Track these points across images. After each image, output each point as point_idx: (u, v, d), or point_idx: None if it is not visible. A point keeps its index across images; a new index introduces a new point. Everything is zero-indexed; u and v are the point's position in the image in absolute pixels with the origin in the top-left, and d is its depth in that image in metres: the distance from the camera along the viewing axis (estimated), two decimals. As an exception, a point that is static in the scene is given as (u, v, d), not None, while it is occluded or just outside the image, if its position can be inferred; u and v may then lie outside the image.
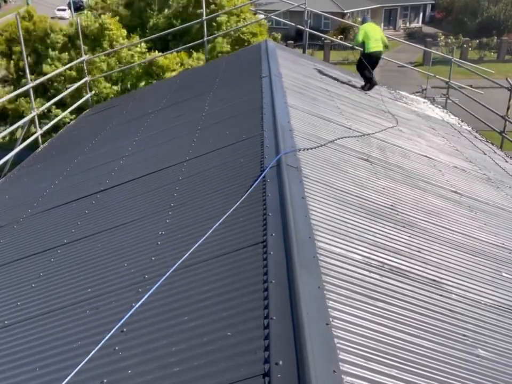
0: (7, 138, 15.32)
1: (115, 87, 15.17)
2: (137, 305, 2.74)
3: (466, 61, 16.98)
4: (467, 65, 13.12)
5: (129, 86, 14.99)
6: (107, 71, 14.66)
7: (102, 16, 15.56)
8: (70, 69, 13.93)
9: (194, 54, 16.07)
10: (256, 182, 3.68)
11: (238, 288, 2.59)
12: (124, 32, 15.84)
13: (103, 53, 13.82)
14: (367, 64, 9.44)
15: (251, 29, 17.21)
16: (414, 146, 6.55)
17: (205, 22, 12.46)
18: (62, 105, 13.50)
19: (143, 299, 2.77)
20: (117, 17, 16.53)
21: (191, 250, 3.10)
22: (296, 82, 7.66)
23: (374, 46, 9.41)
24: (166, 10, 17.67)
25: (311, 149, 4.56)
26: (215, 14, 15.99)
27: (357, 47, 10.09)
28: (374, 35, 9.42)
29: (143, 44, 15.63)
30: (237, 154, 4.49)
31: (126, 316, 2.68)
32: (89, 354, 2.47)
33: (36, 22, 15.69)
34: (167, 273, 2.93)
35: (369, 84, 9.69)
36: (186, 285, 2.83)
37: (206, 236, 3.21)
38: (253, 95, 6.37)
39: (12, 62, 15.76)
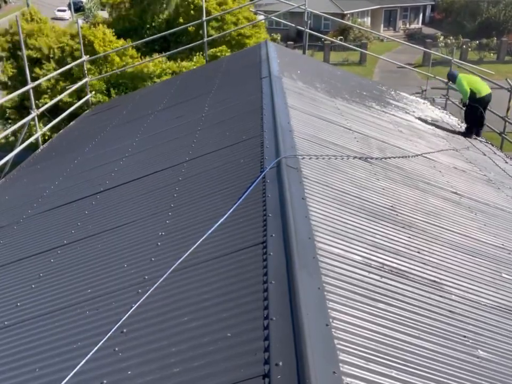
0: (11, 139, 15.34)
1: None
2: (136, 305, 2.74)
3: (466, 62, 16.99)
4: (467, 66, 13.13)
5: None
6: (103, 78, 14.67)
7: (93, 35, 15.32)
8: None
9: (195, 58, 16.08)
10: (254, 184, 3.68)
11: (238, 289, 2.60)
12: (119, 42, 15.77)
13: (94, 56, 13.80)
14: (476, 111, 8.69)
15: (245, 31, 17.20)
16: (414, 147, 6.56)
17: (204, 23, 12.47)
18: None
19: (142, 299, 2.77)
20: (111, 28, 16.43)
21: (190, 250, 3.09)
22: (297, 83, 7.66)
23: (484, 88, 8.70)
24: (166, 12, 17.71)
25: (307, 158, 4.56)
26: (215, 14, 16.02)
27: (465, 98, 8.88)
28: (477, 80, 8.73)
29: (135, 49, 15.70)
30: (237, 155, 4.49)
31: (126, 316, 2.68)
32: (89, 355, 2.47)
33: (35, 25, 15.65)
34: (165, 274, 2.93)
35: (470, 132, 8.93)
36: (186, 286, 2.83)
37: (206, 236, 3.21)
38: (253, 95, 6.37)
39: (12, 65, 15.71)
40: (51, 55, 15.23)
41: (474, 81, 8.85)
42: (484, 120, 9.01)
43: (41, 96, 14.33)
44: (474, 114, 8.83)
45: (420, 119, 9.19)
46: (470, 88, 8.70)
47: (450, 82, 9.36)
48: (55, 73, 11.89)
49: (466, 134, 8.96)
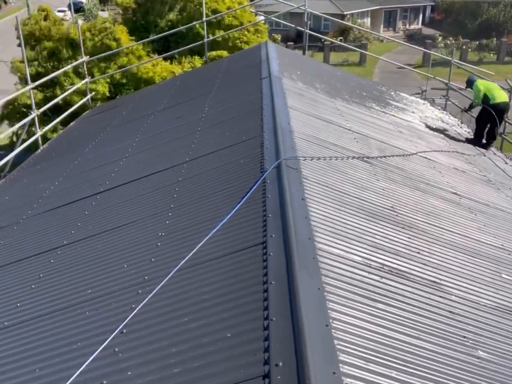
0: (9, 140, 15.31)
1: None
2: (139, 306, 2.74)
3: (466, 63, 17.01)
4: (467, 66, 13.13)
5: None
6: (107, 76, 14.70)
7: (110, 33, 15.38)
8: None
9: (195, 59, 16.11)
10: (256, 185, 3.68)
11: (238, 290, 2.60)
12: (132, 42, 15.84)
13: (101, 55, 13.79)
14: (488, 118, 8.45)
15: (248, 37, 17.25)
16: (414, 147, 6.56)
17: (205, 23, 12.48)
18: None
19: (146, 300, 2.77)
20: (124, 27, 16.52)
21: (196, 249, 3.09)
22: (296, 84, 7.66)
23: (500, 95, 8.51)
24: (170, 12, 17.79)
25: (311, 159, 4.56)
26: (216, 15, 16.03)
27: (479, 104, 8.64)
28: (495, 86, 8.59)
29: (143, 50, 15.77)
30: (237, 156, 4.50)
31: (129, 317, 2.68)
32: (89, 356, 2.48)
33: (50, 25, 15.66)
34: (170, 274, 2.93)
35: (479, 141, 8.61)
36: (186, 286, 2.84)
37: (207, 237, 3.21)
38: (253, 96, 6.37)
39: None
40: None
41: (491, 87, 8.65)
42: (495, 130, 8.66)
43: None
44: (486, 121, 8.60)
45: (419, 119, 9.19)
46: (484, 93, 8.49)
47: (468, 88, 9.03)
48: (56, 73, 11.88)
49: (476, 142, 8.66)
